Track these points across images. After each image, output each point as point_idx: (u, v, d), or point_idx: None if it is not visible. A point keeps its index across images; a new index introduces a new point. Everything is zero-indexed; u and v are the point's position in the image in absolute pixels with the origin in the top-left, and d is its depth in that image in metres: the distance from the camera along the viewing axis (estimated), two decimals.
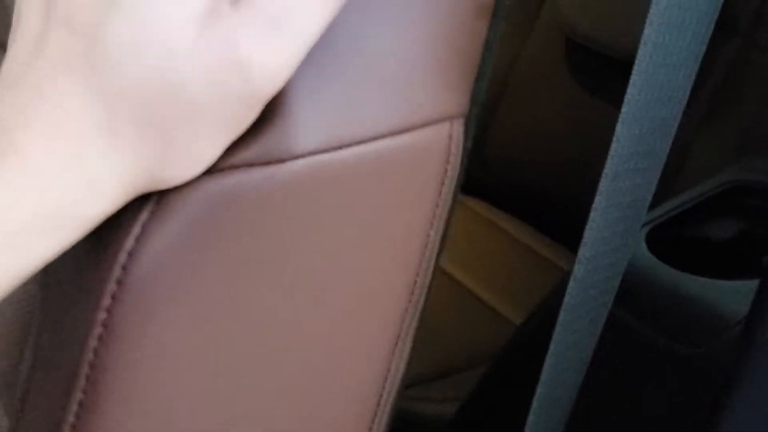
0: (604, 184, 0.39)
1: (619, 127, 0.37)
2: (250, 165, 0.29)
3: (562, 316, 0.42)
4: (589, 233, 0.40)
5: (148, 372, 0.30)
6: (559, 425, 0.50)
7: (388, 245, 0.35)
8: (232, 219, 0.29)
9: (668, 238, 0.82)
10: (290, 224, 0.30)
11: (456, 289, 1.15)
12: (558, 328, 0.43)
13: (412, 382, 0.93)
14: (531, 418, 0.46)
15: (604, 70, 1.18)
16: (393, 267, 0.36)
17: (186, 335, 0.30)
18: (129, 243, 0.28)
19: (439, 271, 1.10)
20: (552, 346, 0.43)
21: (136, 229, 0.28)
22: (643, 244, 0.80)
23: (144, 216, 0.28)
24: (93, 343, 0.29)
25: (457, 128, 0.35)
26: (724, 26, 1.02)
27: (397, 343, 0.40)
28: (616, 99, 1.11)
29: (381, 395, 0.41)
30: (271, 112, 0.28)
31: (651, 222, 0.84)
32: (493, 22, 0.35)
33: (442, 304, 1.13)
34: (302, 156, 0.29)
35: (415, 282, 0.38)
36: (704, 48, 0.39)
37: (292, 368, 0.35)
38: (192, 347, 0.31)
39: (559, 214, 1.20)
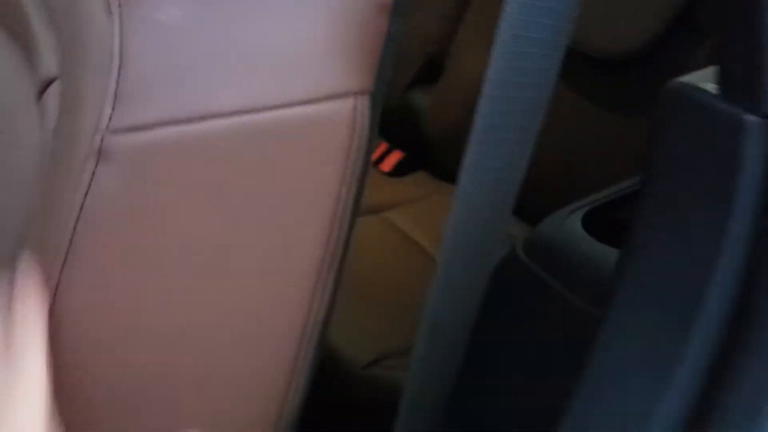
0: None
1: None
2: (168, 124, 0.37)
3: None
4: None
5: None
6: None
7: (302, 198, 0.43)
8: (157, 164, 0.37)
9: (605, 220, 0.90)
10: (214, 171, 0.39)
11: (432, 266, 1.23)
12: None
13: (393, 353, 0.99)
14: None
15: (586, 68, 1.24)
16: (308, 218, 0.44)
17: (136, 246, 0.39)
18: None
19: (415, 248, 1.17)
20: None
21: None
22: (580, 225, 0.88)
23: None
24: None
25: (362, 102, 0.43)
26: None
27: (316, 288, 0.48)
28: (598, 96, 1.17)
29: (303, 335, 0.49)
30: (183, 82, 0.37)
31: (589, 204, 0.92)
32: (393, 18, 0.44)
33: (420, 279, 1.20)
34: (216, 117, 0.37)
35: (329, 235, 0.46)
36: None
37: (227, 292, 0.43)
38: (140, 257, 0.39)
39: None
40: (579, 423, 0.42)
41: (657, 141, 0.39)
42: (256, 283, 0.44)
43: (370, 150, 0.46)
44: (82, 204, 0.37)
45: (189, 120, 0.36)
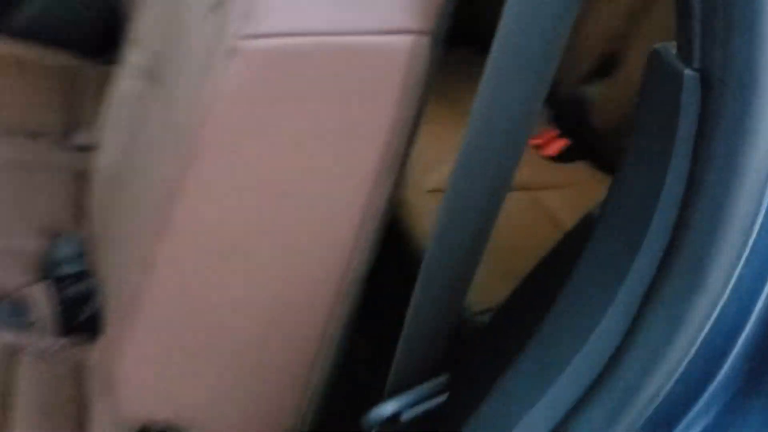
0: None
1: None
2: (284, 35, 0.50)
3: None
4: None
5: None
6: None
7: (357, 132, 0.54)
8: (273, 68, 0.50)
9: None
10: (298, 85, 0.53)
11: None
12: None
13: None
14: None
15: None
16: (357, 158, 0.55)
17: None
18: None
19: (556, 228, 1.22)
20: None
21: None
22: None
23: None
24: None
25: (421, 42, 0.54)
26: None
27: (357, 240, 0.58)
28: None
29: (340, 287, 0.58)
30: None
31: None
32: None
33: None
34: (309, 34, 0.51)
35: (379, 171, 0.56)
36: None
37: (283, 216, 0.56)
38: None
39: None
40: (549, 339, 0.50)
41: (640, 98, 0.46)
42: (305, 215, 0.56)
43: (426, 92, 0.57)
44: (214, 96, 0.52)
45: (297, 34, 0.50)
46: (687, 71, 0.41)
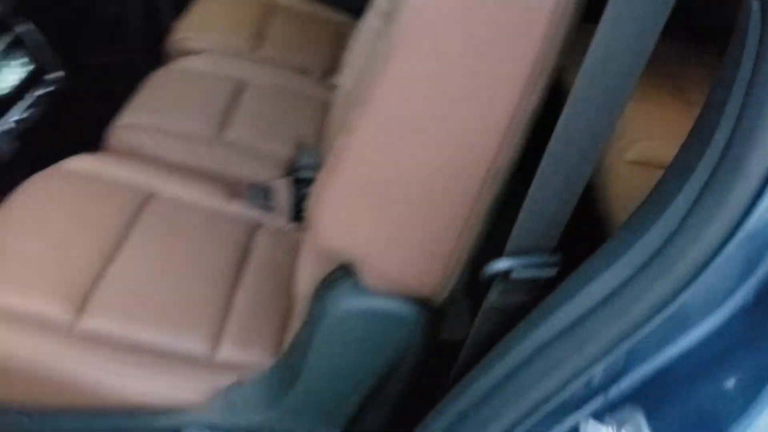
0: None
1: None
2: None
3: None
4: None
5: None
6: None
7: (511, 35, 0.70)
8: None
9: None
10: None
11: None
12: None
13: None
14: None
15: None
16: (511, 58, 0.70)
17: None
18: None
19: None
20: None
21: None
22: None
23: None
24: None
25: None
26: None
27: (510, 122, 0.73)
28: None
29: (485, 179, 0.74)
30: None
31: None
32: None
33: None
34: None
35: (529, 79, 0.71)
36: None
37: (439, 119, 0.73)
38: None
39: None
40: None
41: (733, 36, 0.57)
42: (465, 111, 0.72)
43: (578, 11, 0.70)
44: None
45: None
46: (754, 2, 0.52)
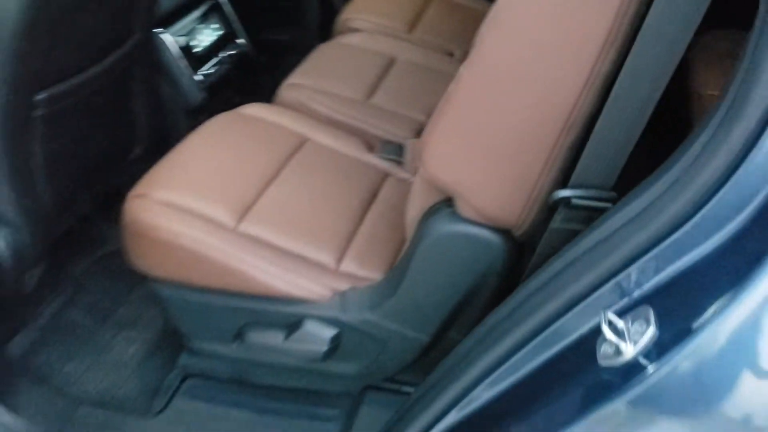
0: None
1: None
2: None
3: None
4: None
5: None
6: None
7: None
8: None
9: None
10: None
11: None
12: None
13: None
14: None
15: None
16: (592, 21, 0.87)
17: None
18: None
19: None
20: None
21: None
22: None
23: None
24: None
25: None
26: None
27: (588, 77, 0.90)
28: None
29: (573, 109, 0.92)
30: None
31: None
32: None
33: None
34: None
35: (606, 40, 0.88)
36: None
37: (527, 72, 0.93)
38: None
39: None
40: None
41: None
42: (548, 70, 0.90)
43: None
44: None
45: None
46: None
